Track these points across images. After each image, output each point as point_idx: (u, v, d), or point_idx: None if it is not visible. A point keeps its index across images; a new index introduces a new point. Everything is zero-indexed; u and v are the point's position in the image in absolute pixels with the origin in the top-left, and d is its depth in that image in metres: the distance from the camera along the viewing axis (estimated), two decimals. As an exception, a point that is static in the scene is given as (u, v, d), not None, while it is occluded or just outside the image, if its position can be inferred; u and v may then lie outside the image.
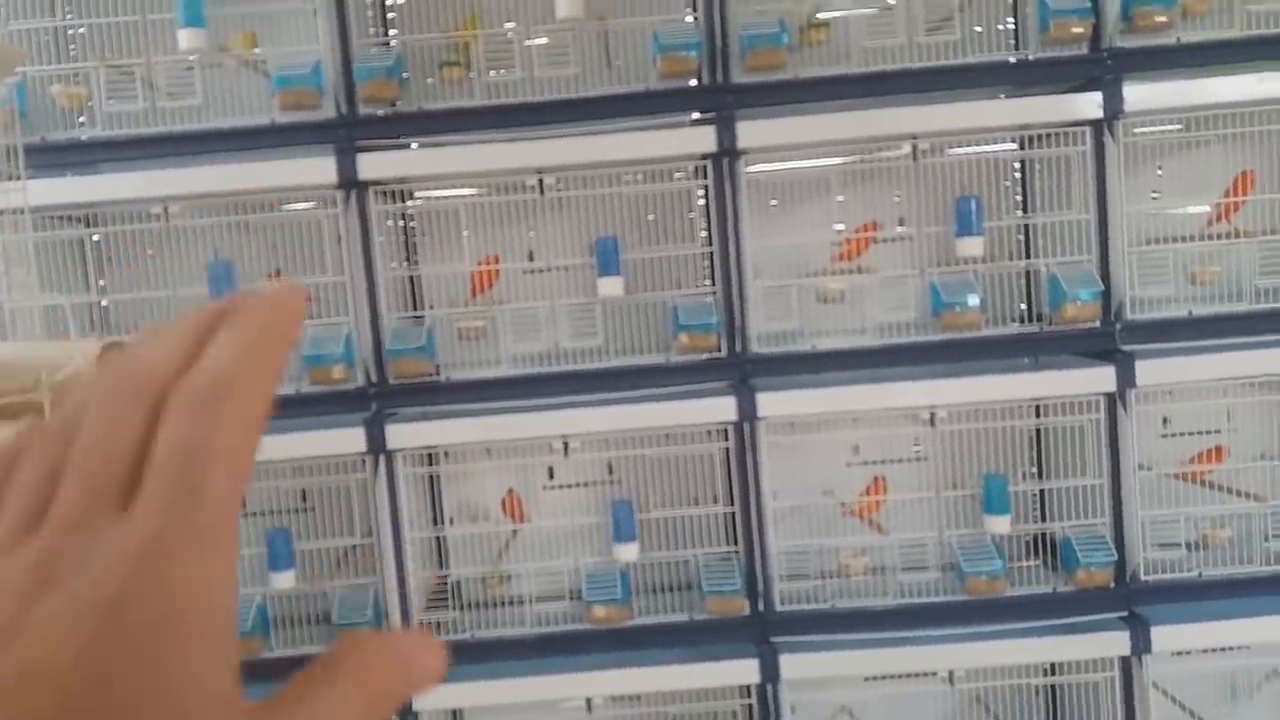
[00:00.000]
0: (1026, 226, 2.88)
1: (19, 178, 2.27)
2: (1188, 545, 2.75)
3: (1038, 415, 2.79)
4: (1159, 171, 2.88)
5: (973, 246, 2.69)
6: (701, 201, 2.77)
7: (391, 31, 2.85)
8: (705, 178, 2.66)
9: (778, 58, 2.59)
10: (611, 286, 2.69)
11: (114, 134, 2.63)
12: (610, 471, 2.98)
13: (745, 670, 2.64)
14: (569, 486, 3.01)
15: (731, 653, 2.66)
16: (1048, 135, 2.68)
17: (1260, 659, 2.82)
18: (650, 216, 2.88)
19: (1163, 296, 2.70)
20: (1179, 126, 2.77)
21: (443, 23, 2.76)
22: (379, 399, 2.68)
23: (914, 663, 2.68)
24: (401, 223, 2.92)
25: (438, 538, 2.97)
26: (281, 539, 2.67)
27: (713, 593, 2.66)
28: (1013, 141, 2.78)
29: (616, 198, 2.79)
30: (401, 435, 2.63)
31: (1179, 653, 2.72)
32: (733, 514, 2.71)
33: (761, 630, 2.69)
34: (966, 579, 2.67)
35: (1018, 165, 2.91)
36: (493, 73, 2.72)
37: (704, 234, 2.82)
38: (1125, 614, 2.69)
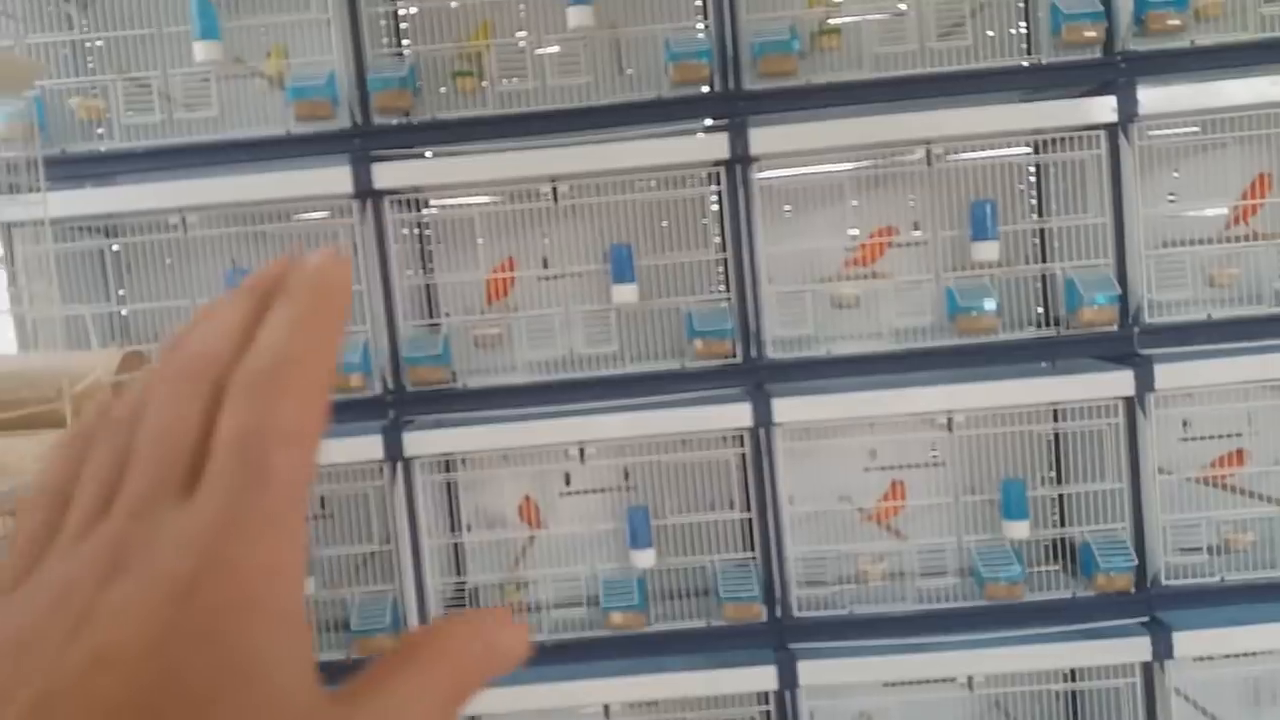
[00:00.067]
0: (1042, 230, 2.87)
1: (39, 189, 2.30)
2: (1209, 549, 2.73)
3: (1056, 420, 2.78)
4: (1175, 174, 2.87)
5: (988, 251, 2.69)
6: (715, 208, 2.78)
7: (405, 42, 2.87)
8: (718, 184, 2.66)
9: (789, 64, 2.60)
10: (626, 293, 2.69)
11: (132, 145, 2.67)
12: (626, 478, 2.98)
13: (763, 677, 2.64)
14: (585, 493, 3.01)
15: (749, 659, 2.66)
16: (1062, 139, 2.67)
17: (1284, 664, 2.79)
18: (664, 223, 2.88)
19: (1181, 299, 2.69)
20: (1195, 129, 2.76)
21: (455, 33, 2.79)
22: (396, 407, 2.69)
23: (933, 668, 2.67)
24: (417, 231, 2.94)
25: (455, 544, 2.97)
26: (300, 547, 2.67)
27: (730, 599, 2.66)
28: (1027, 145, 2.78)
29: (630, 205, 2.79)
30: (419, 443, 2.64)
31: (1201, 658, 2.70)
32: (749, 520, 2.72)
33: (779, 636, 2.68)
34: (985, 584, 2.66)
35: (1032, 169, 2.91)
36: (505, 82, 2.73)
37: (718, 240, 2.83)
38: (1146, 619, 2.67)
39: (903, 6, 2.72)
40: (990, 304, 2.64)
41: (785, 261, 2.77)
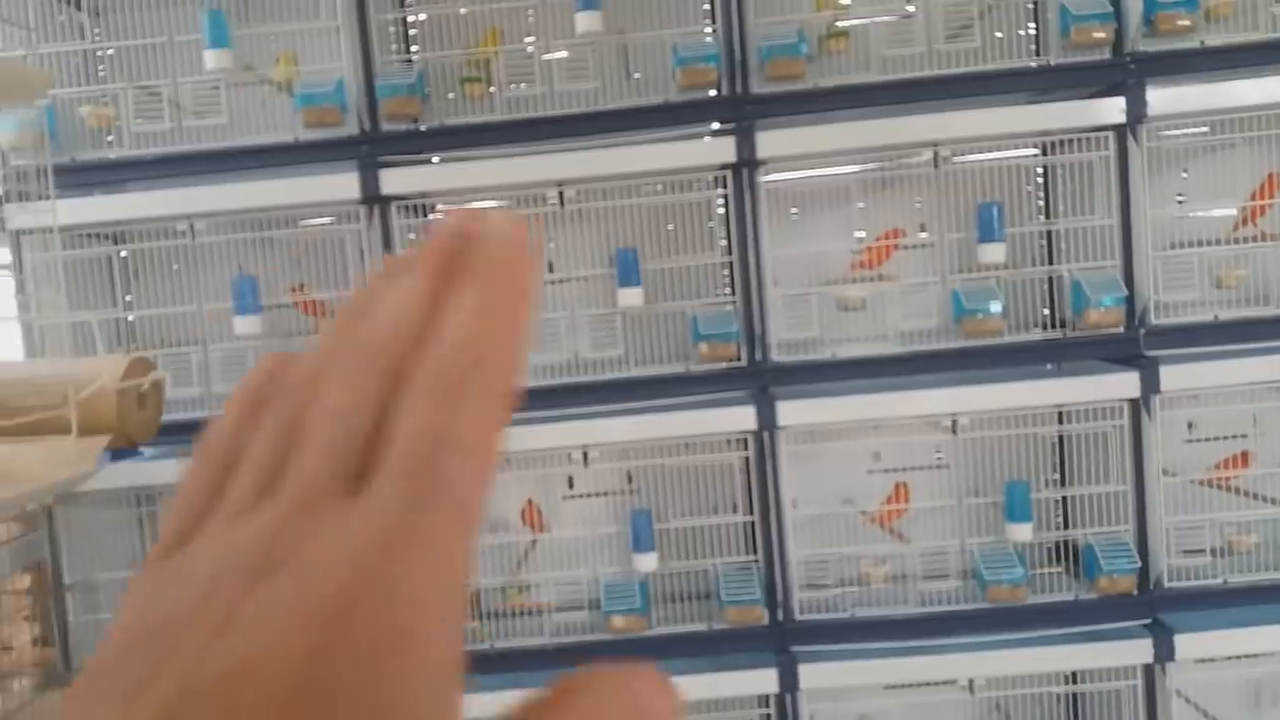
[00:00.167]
0: (1049, 232, 2.87)
1: (49, 197, 2.32)
2: (1212, 551, 2.74)
3: (1060, 422, 2.79)
4: (1184, 175, 2.86)
5: (995, 253, 2.69)
6: (721, 211, 2.79)
7: (413, 48, 2.88)
8: (725, 187, 2.67)
9: (797, 68, 2.60)
10: (631, 297, 2.70)
11: (142, 153, 2.69)
12: (630, 481, 2.99)
13: (764, 680, 2.66)
14: (588, 496, 3.02)
15: (750, 662, 2.68)
16: (1070, 140, 2.67)
17: (1286, 666, 2.80)
18: (670, 227, 2.89)
19: (1188, 301, 2.69)
20: (1204, 129, 2.75)
21: (464, 39, 2.80)
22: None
23: (934, 671, 2.70)
24: (424, 236, 2.94)
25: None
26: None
27: (732, 602, 2.68)
28: (1034, 147, 2.78)
29: (636, 209, 2.80)
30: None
31: (1203, 660, 2.72)
32: (752, 523, 2.74)
33: (781, 639, 2.70)
34: (988, 587, 2.68)
35: (1040, 171, 2.90)
36: (513, 87, 2.74)
37: (723, 243, 2.84)
38: (1148, 621, 2.69)
39: (911, 8, 2.72)
40: (996, 306, 2.65)
41: (791, 264, 2.78)
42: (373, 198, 2.63)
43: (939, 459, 2.97)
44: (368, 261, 2.69)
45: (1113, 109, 2.59)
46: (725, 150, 2.60)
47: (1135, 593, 2.67)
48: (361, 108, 2.64)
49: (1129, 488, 2.68)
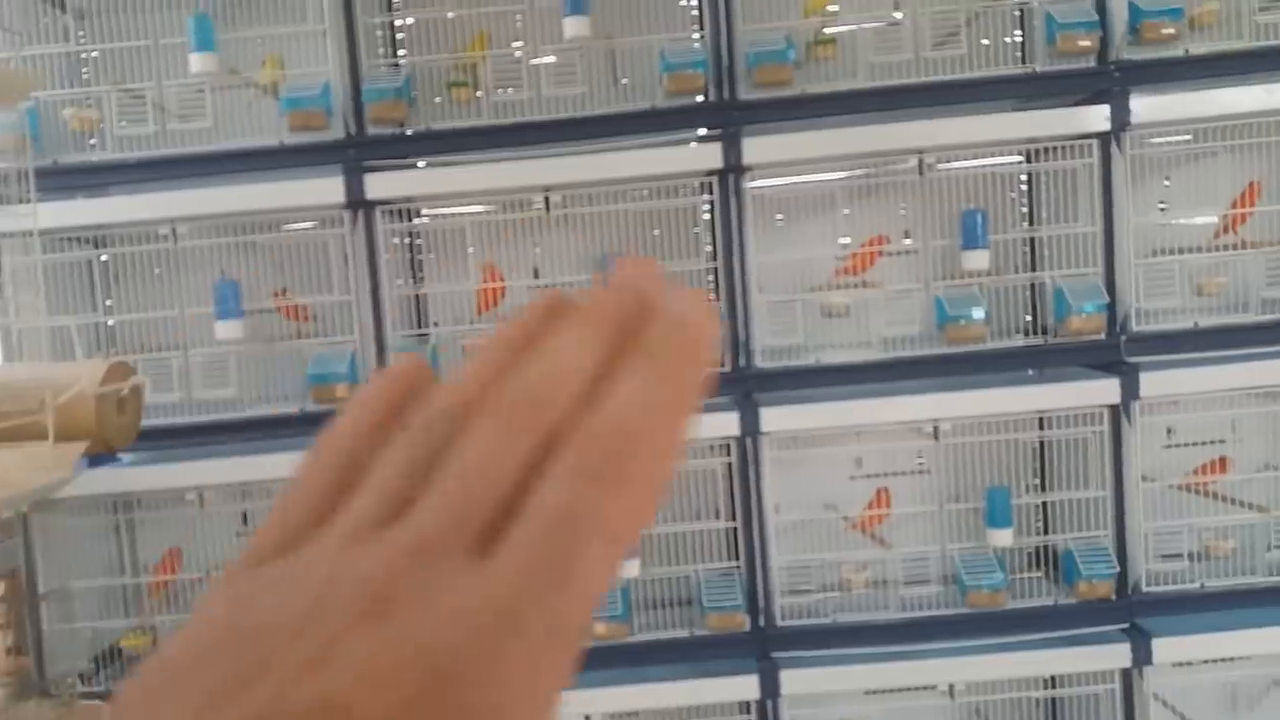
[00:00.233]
0: (1032, 239, 2.87)
1: (29, 200, 2.29)
2: (1190, 556, 2.76)
3: (1041, 428, 2.79)
4: (1166, 183, 2.88)
5: (978, 260, 2.69)
6: (707, 217, 2.78)
7: (400, 52, 2.87)
8: (711, 193, 2.67)
9: (784, 74, 2.60)
10: (616, 303, 2.68)
11: (125, 156, 2.67)
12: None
13: (745, 686, 2.66)
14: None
15: (732, 668, 2.69)
16: (1054, 148, 2.67)
17: (1262, 670, 2.83)
18: (655, 232, 2.88)
19: (1169, 308, 2.70)
20: (1187, 137, 2.76)
21: (451, 43, 2.78)
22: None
23: (915, 676, 2.71)
24: (407, 240, 2.95)
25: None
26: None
27: (713, 608, 2.68)
28: (1019, 154, 2.78)
29: (621, 214, 2.79)
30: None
31: (1180, 664, 2.74)
32: (734, 529, 2.74)
33: (762, 646, 2.71)
34: (968, 592, 2.69)
35: (1024, 178, 2.91)
36: (500, 92, 2.73)
37: (709, 249, 2.83)
38: (1126, 626, 2.71)
39: (898, 15, 2.71)
40: (979, 313, 2.66)
41: (776, 270, 2.78)
42: (357, 202, 2.62)
43: (921, 464, 2.98)
44: (351, 266, 2.68)
45: (1097, 117, 2.60)
46: (711, 156, 2.60)
47: (1114, 597, 2.69)
48: (347, 111, 2.62)
49: (1108, 493, 2.69)
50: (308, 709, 0.26)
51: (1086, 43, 2.58)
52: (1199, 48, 2.61)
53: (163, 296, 2.89)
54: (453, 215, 2.86)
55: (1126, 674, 2.70)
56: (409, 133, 2.66)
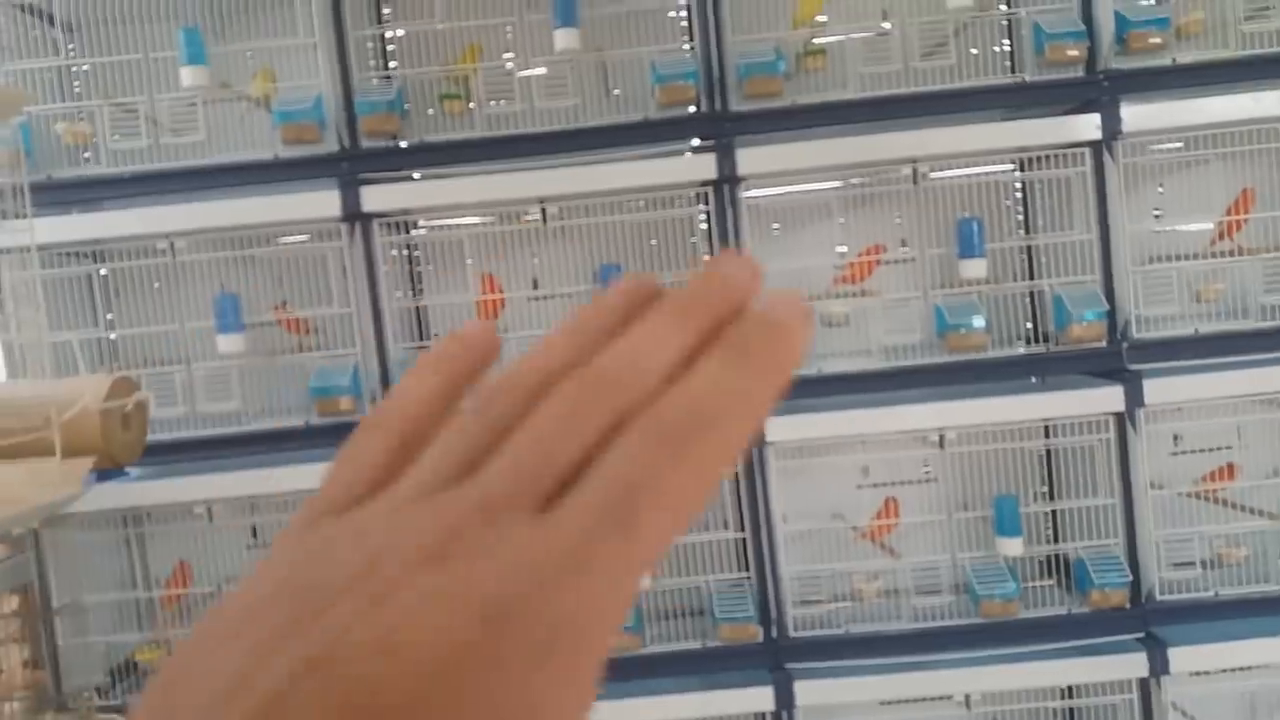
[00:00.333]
0: (1029, 247, 2.88)
1: (26, 216, 2.29)
2: (1202, 564, 2.74)
3: (1047, 436, 2.78)
4: (1160, 190, 2.89)
5: (976, 268, 2.69)
6: (704, 227, 2.78)
7: (392, 65, 2.88)
8: (706, 204, 2.67)
9: (775, 85, 2.61)
10: (615, 314, 2.68)
11: (119, 171, 2.66)
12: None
13: (760, 697, 2.62)
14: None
15: (745, 680, 2.64)
16: (1047, 156, 2.68)
17: (1280, 678, 2.79)
18: (653, 242, 2.87)
19: (1168, 315, 2.70)
20: (1179, 145, 2.78)
21: (443, 56, 2.79)
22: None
23: (929, 687, 2.66)
24: (406, 253, 2.93)
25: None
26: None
27: (725, 619, 2.65)
28: (1012, 163, 2.79)
29: (619, 225, 2.79)
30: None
31: (1197, 673, 2.70)
32: (743, 539, 2.71)
33: (775, 656, 2.67)
34: (980, 601, 2.65)
35: (1018, 186, 2.92)
36: (493, 104, 2.74)
37: (706, 259, 2.82)
38: (1142, 635, 2.67)
39: (887, 26, 2.73)
40: (979, 321, 2.65)
41: (774, 280, 2.77)
42: (354, 215, 2.61)
43: (928, 473, 2.96)
44: (350, 278, 2.67)
45: (1088, 125, 2.62)
46: (706, 167, 2.60)
47: (1128, 606, 2.66)
48: (340, 124, 2.62)
49: (1117, 501, 2.67)
50: (364, 649, 0.26)
51: (1075, 52, 2.60)
52: (1186, 57, 2.63)
53: (163, 310, 2.88)
54: (450, 227, 2.85)
55: (1144, 684, 2.66)
56: (403, 145, 2.66)
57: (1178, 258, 2.83)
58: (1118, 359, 2.65)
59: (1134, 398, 2.60)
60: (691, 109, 2.64)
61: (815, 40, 2.75)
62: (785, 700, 2.61)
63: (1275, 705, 2.89)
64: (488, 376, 0.35)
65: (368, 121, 2.61)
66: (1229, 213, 2.87)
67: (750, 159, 2.60)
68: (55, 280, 2.77)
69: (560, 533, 0.29)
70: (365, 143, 2.63)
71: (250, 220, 2.65)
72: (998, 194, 2.87)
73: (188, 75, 2.59)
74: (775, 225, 2.90)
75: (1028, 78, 2.66)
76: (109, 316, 2.93)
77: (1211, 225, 2.88)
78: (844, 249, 2.89)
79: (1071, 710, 2.85)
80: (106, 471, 1.98)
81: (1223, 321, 2.72)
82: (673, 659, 2.68)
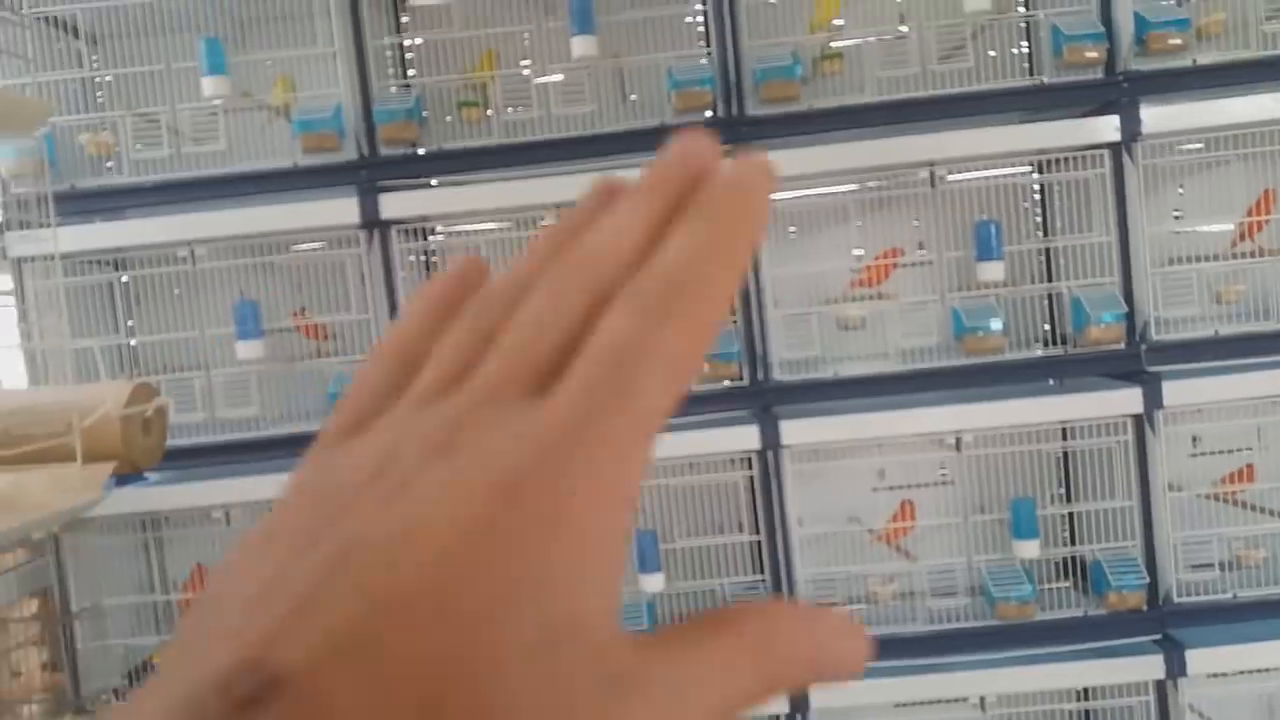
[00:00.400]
0: (1047, 249, 2.87)
1: (50, 225, 2.32)
2: (1221, 566, 2.73)
3: (1065, 438, 2.78)
4: (1180, 191, 2.87)
5: (993, 271, 2.69)
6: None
7: (410, 73, 2.90)
8: (723, 209, 2.67)
9: (791, 90, 2.61)
10: (632, 318, 2.69)
11: (141, 180, 2.69)
12: (634, 502, 2.95)
13: (774, 700, 2.61)
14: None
15: (759, 681, 2.64)
16: (1065, 158, 2.68)
17: (1299, 680, 2.78)
18: (671, 245, 2.88)
19: (1188, 316, 2.69)
20: (1199, 146, 2.77)
21: (460, 64, 2.80)
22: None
23: (945, 689, 2.67)
24: (424, 259, 2.95)
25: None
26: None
27: (740, 621, 2.64)
28: (1030, 165, 2.79)
29: (635, 231, 2.78)
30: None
31: (1215, 675, 2.69)
32: (759, 542, 2.72)
33: (790, 658, 2.66)
34: (996, 604, 2.66)
35: (1036, 189, 2.91)
36: (510, 111, 2.76)
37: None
38: (1159, 637, 2.66)
39: (904, 29, 2.73)
40: (997, 324, 2.65)
41: (791, 284, 2.78)
42: (372, 222, 2.64)
43: (944, 476, 2.96)
44: (368, 285, 2.69)
45: (1107, 127, 2.60)
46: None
47: (1145, 608, 2.65)
48: (359, 132, 2.65)
49: (1135, 503, 2.66)
50: (388, 539, 0.27)
51: (1094, 54, 2.59)
52: (1206, 58, 2.61)
53: (183, 317, 2.90)
54: (468, 233, 2.87)
55: (1161, 685, 2.65)
56: (421, 153, 2.69)
57: (1198, 259, 2.82)
58: (1136, 361, 2.64)
59: (1153, 400, 2.59)
60: (708, 114, 2.65)
61: (832, 44, 2.75)
62: (800, 702, 2.63)
63: (1294, 707, 2.89)
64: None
65: (386, 129, 2.63)
66: (1250, 213, 2.85)
67: (767, 163, 2.60)
68: (78, 288, 2.80)
69: (558, 406, 0.29)
70: (384, 150, 2.66)
71: (270, 228, 2.67)
72: (1016, 196, 2.86)
73: (209, 85, 2.62)
74: (792, 229, 2.90)
75: (1046, 80, 2.65)
76: (130, 323, 2.96)
77: (1232, 226, 2.86)
78: (861, 252, 2.90)
79: (1087, 712, 2.85)
80: (126, 476, 2.00)
81: (1243, 323, 2.70)
82: (688, 661, 2.67)
